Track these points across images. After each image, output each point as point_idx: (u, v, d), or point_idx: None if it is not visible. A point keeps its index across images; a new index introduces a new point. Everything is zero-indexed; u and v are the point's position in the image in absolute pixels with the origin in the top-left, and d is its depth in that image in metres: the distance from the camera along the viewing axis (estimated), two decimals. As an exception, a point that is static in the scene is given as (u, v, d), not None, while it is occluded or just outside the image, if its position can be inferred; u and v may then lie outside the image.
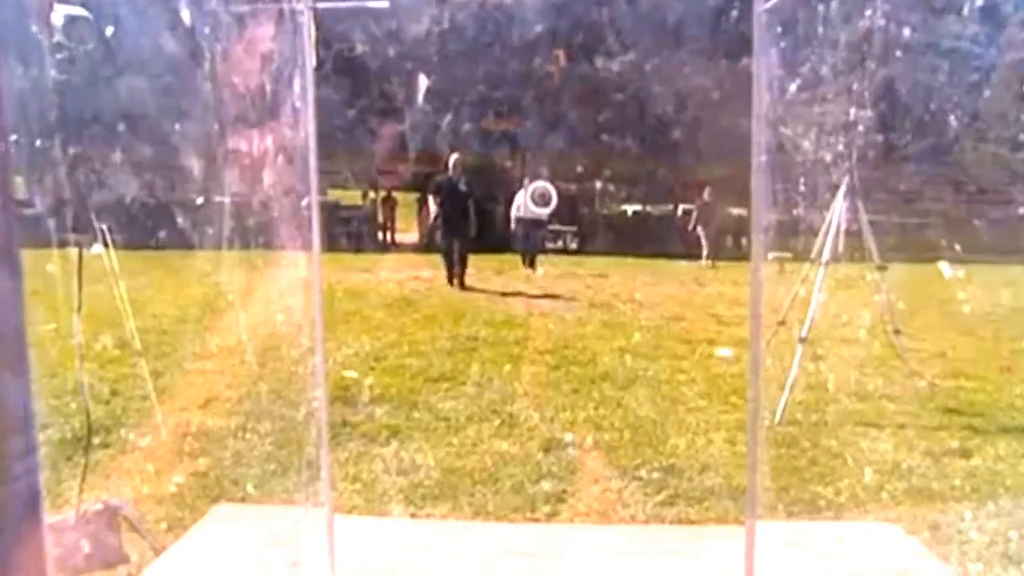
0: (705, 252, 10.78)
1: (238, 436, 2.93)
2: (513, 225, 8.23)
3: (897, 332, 3.83)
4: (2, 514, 0.39)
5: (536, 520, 2.28)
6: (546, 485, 2.55)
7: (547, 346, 4.74)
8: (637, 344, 5.08)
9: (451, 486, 2.50)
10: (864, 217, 3.74)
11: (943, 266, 3.72)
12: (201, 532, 1.94)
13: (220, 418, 3.14)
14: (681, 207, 14.09)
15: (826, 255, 3.67)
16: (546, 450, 2.92)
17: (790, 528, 2.09)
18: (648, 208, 14.04)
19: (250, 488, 2.42)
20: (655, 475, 2.65)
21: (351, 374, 3.85)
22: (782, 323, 3.92)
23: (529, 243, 8.20)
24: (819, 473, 2.70)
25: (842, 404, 3.58)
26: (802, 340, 3.47)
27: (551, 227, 10.54)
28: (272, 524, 1.86)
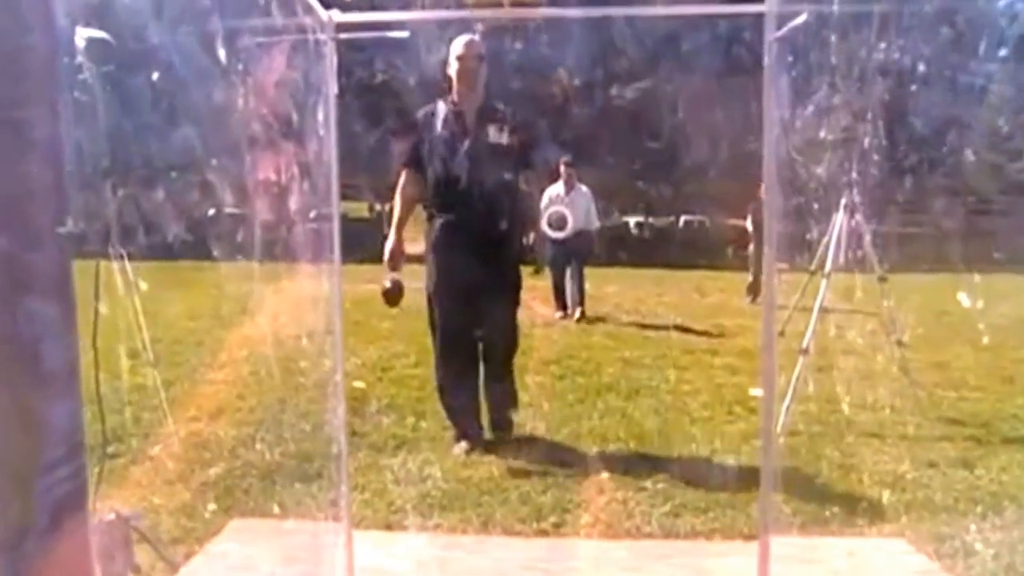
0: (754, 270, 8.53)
1: (257, 448, 2.96)
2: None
3: (900, 343, 3.85)
4: (52, 513, 0.42)
5: (543, 531, 2.30)
6: (552, 495, 2.57)
7: (551, 356, 4.76)
8: (641, 354, 5.11)
9: (459, 496, 2.52)
10: (865, 229, 3.77)
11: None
12: (218, 547, 1.95)
13: (237, 428, 3.18)
14: (683, 218, 14.16)
15: (827, 267, 3.71)
16: (552, 461, 2.94)
17: (797, 543, 2.11)
18: (651, 220, 14.11)
19: (267, 502, 2.45)
20: (660, 486, 2.67)
21: (359, 384, 3.88)
22: (781, 334, 3.95)
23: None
24: (821, 484, 2.72)
25: (844, 415, 3.60)
26: (803, 352, 3.50)
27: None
28: (290, 539, 1.88)
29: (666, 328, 6.37)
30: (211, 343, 4.76)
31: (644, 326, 6.51)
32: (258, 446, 2.95)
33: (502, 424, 3.13)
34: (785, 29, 0.95)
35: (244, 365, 3.99)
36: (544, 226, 2.39)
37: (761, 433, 1.47)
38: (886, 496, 2.60)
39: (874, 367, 4.41)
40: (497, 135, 2.94)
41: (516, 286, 3.11)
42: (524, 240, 3.20)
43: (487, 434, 3.09)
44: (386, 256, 3.00)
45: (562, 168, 6.86)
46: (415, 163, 3.07)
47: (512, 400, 3.21)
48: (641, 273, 11.37)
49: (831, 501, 2.56)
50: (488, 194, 2.91)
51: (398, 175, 3.14)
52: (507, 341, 3.14)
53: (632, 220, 14.20)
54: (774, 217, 1.23)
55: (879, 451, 3.16)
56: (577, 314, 6.68)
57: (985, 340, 4.81)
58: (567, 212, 2.64)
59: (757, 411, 3.34)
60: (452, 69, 3.00)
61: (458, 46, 2.98)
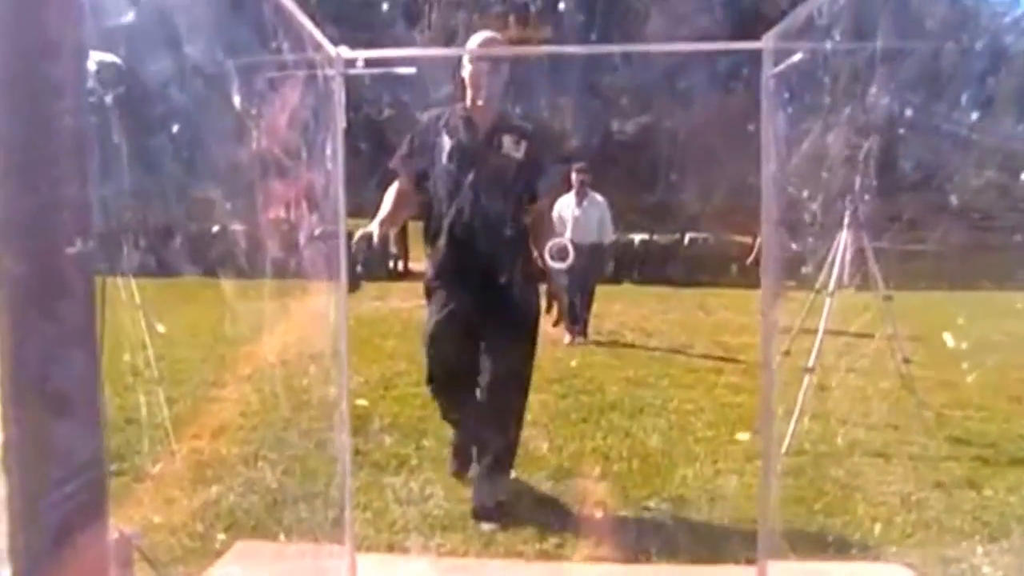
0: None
1: (259, 467, 2.96)
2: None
3: (906, 361, 3.84)
4: (69, 534, 0.43)
5: (545, 552, 2.29)
6: (555, 516, 2.56)
7: (555, 375, 4.76)
8: (645, 373, 5.09)
9: (461, 516, 2.51)
10: (869, 248, 3.78)
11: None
12: (222, 571, 1.95)
13: (240, 447, 3.18)
14: (688, 235, 14.16)
15: (831, 285, 3.71)
16: (554, 480, 2.93)
17: (800, 569, 2.09)
18: (655, 236, 14.13)
19: (270, 523, 2.44)
20: (664, 506, 2.66)
21: (362, 403, 3.89)
22: (787, 353, 3.94)
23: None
24: (827, 505, 2.70)
25: (849, 434, 3.58)
26: (808, 370, 3.49)
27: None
28: (294, 563, 1.87)
29: (670, 348, 6.36)
30: (214, 361, 4.78)
31: (647, 348, 6.50)
32: (260, 464, 2.95)
33: (486, 512, 2.49)
34: (782, 66, 0.97)
35: (248, 383, 4.00)
36: (546, 256, 2.16)
37: (761, 458, 1.47)
38: (891, 517, 2.58)
39: (880, 386, 4.39)
40: (513, 148, 2.53)
41: (532, 324, 2.58)
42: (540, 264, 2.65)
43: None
44: (356, 236, 2.32)
45: (574, 175, 6.34)
46: (414, 172, 2.59)
47: (504, 484, 2.60)
48: (645, 290, 11.37)
49: (835, 522, 2.54)
50: (502, 214, 2.48)
51: (388, 185, 2.64)
52: (512, 400, 2.59)
53: (637, 237, 14.22)
54: (772, 244, 1.25)
55: (884, 471, 3.14)
56: (569, 336, 6.12)
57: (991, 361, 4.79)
58: (568, 243, 2.25)
59: (757, 432, 3.33)
60: (466, 72, 2.55)
61: (475, 45, 2.56)
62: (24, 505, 0.36)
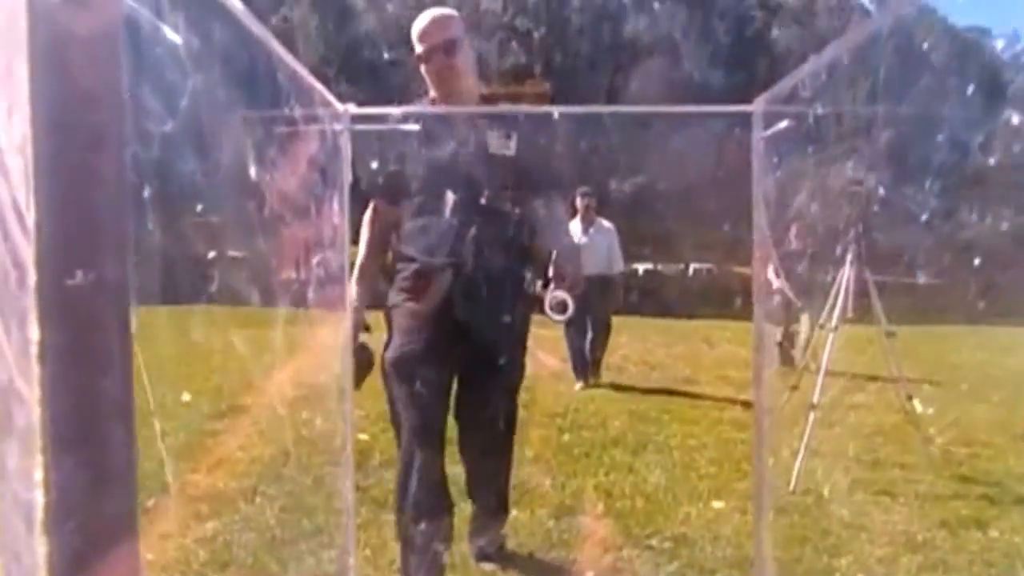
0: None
1: (257, 502, 2.94)
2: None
3: (910, 398, 3.81)
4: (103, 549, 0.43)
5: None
6: (557, 553, 2.53)
7: (557, 409, 4.74)
8: (647, 408, 5.07)
9: (462, 553, 2.48)
10: (872, 283, 3.78)
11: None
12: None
13: (237, 481, 3.16)
14: (692, 266, 14.22)
15: (834, 321, 3.71)
16: (556, 517, 2.90)
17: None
18: (659, 267, 14.20)
19: (267, 559, 2.42)
20: (667, 544, 2.63)
21: (363, 437, 3.87)
22: (795, 388, 3.92)
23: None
24: (831, 544, 2.66)
25: (854, 472, 3.55)
26: (812, 407, 3.47)
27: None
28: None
29: (673, 381, 6.33)
30: (210, 393, 4.78)
31: (651, 383, 6.48)
32: (259, 500, 2.93)
33: (486, 555, 2.38)
34: (770, 131, 1.01)
35: (248, 415, 4.00)
36: (548, 309, 1.85)
37: (752, 500, 1.46)
38: (896, 557, 2.54)
39: (884, 423, 4.36)
40: (501, 143, 2.03)
41: (519, 363, 2.21)
42: (536, 287, 2.21)
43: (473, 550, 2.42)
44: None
45: (579, 200, 5.75)
46: (387, 189, 2.11)
47: (502, 520, 2.44)
48: (649, 322, 11.36)
49: (840, 562, 2.50)
50: (486, 228, 1.99)
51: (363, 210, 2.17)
52: (499, 443, 2.27)
53: (641, 267, 14.28)
54: (763, 293, 1.28)
55: (890, 510, 3.10)
56: (581, 383, 5.70)
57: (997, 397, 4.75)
58: (567, 297, 1.83)
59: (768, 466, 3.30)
60: (423, 67, 2.07)
61: (418, 31, 2.03)
62: (63, 568, 0.37)
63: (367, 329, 2.07)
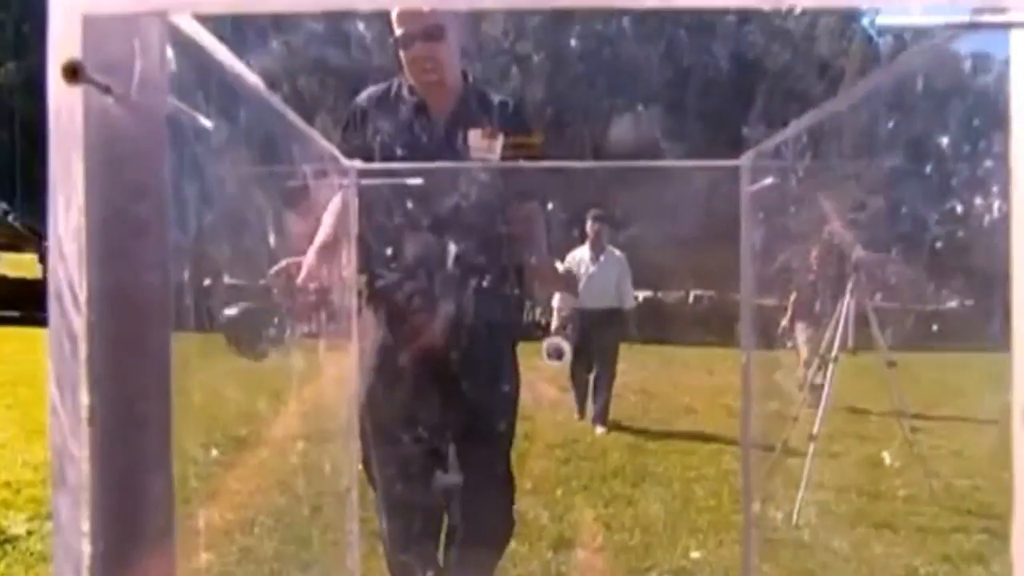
0: (804, 357, 6.14)
1: (255, 533, 2.95)
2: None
3: (914, 430, 3.80)
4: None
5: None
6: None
7: (556, 440, 4.74)
8: (647, 438, 5.06)
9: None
10: (872, 312, 3.80)
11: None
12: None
13: (235, 512, 3.16)
14: (693, 292, 14.24)
15: (834, 351, 3.73)
16: (555, 550, 2.90)
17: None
18: (659, 294, 14.21)
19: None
20: (666, 579, 2.62)
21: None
22: (796, 419, 3.91)
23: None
24: (833, 580, 2.65)
25: (855, 504, 3.54)
26: (812, 438, 3.47)
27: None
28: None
29: (673, 410, 6.32)
30: (211, 422, 4.77)
31: (651, 412, 6.47)
32: (256, 530, 2.94)
33: None
34: (756, 187, 1.06)
35: (248, 448, 4.00)
36: (544, 355, 1.67)
37: (743, 531, 1.49)
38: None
39: (886, 454, 4.35)
40: (484, 146, 1.74)
41: (509, 418, 1.87)
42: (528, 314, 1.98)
43: None
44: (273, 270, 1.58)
45: (589, 224, 5.32)
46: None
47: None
48: (649, 350, 11.35)
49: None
50: (467, 248, 1.73)
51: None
52: (493, 521, 1.87)
53: (641, 295, 14.31)
54: (751, 332, 1.32)
55: (892, 543, 3.09)
56: (597, 429, 5.13)
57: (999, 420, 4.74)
58: (564, 344, 1.67)
59: (765, 501, 3.30)
60: (401, 52, 1.80)
61: (398, 12, 1.76)
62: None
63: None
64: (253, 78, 0.65)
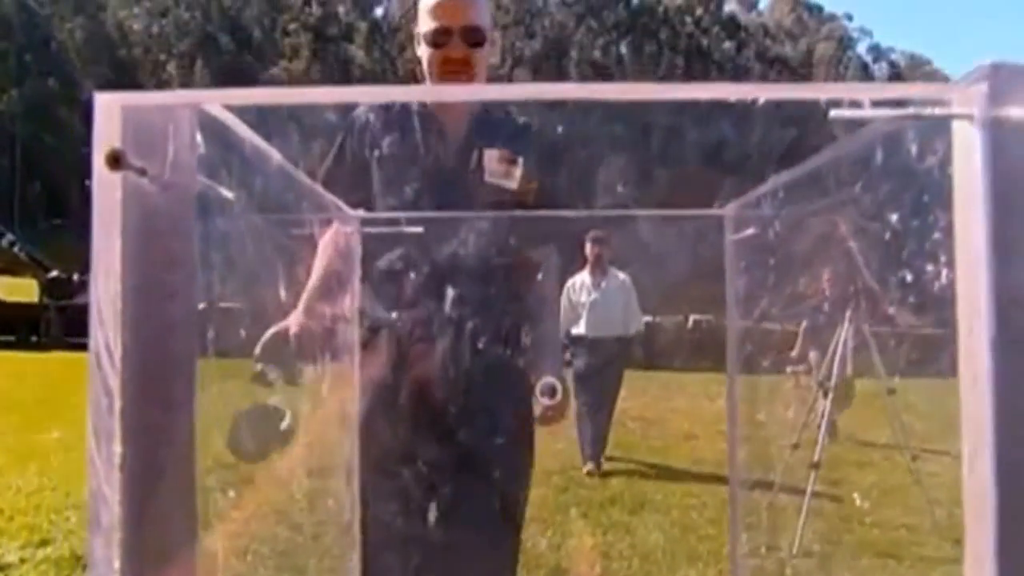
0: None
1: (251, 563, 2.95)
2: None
3: (915, 458, 3.78)
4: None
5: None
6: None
7: (554, 467, 4.73)
8: (646, 465, 5.06)
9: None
10: (871, 339, 3.81)
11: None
12: None
13: (230, 541, 3.16)
14: (692, 317, 14.21)
15: (833, 379, 3.74)
16: (554, 578, 2.90)
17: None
18: (658, 319, 14.21)
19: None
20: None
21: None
22: (796, 446, 3.90)
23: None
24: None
25: (857, 534, 3.53)
26: (813, 466, 3.46)
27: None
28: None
29: (672, 437, 6.32)
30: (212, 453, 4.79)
31: (650, 439, 6.46)
32: (250, 558, 2.94)
33: None
34: (739, 235, 1.11)
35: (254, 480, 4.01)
36: (537, 393, 1.53)
37: (728, 550, 1.50)
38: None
39: (889, 483, 4.33)
40: (501, 171, 1.54)
41: (523, 473, 1.65)
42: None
43: None
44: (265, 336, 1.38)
45: (588, 246, 4.84)
46: (350, 190, 1.45)
47: None
48: (649, 376, 11.33)
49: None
50: (482, 287, 1.52)
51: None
52: None
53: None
54: (735, 390, 1.37)
55: (895, 573, 3.08)
56: (589, 466, 4.71)
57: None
58: (557, 383, 1.46)
59: (766, 529, 3.30)
60: (423, 50, 1.55)
61: (433, 4, 1.52)
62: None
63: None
64: (265, 145, 0.70)
